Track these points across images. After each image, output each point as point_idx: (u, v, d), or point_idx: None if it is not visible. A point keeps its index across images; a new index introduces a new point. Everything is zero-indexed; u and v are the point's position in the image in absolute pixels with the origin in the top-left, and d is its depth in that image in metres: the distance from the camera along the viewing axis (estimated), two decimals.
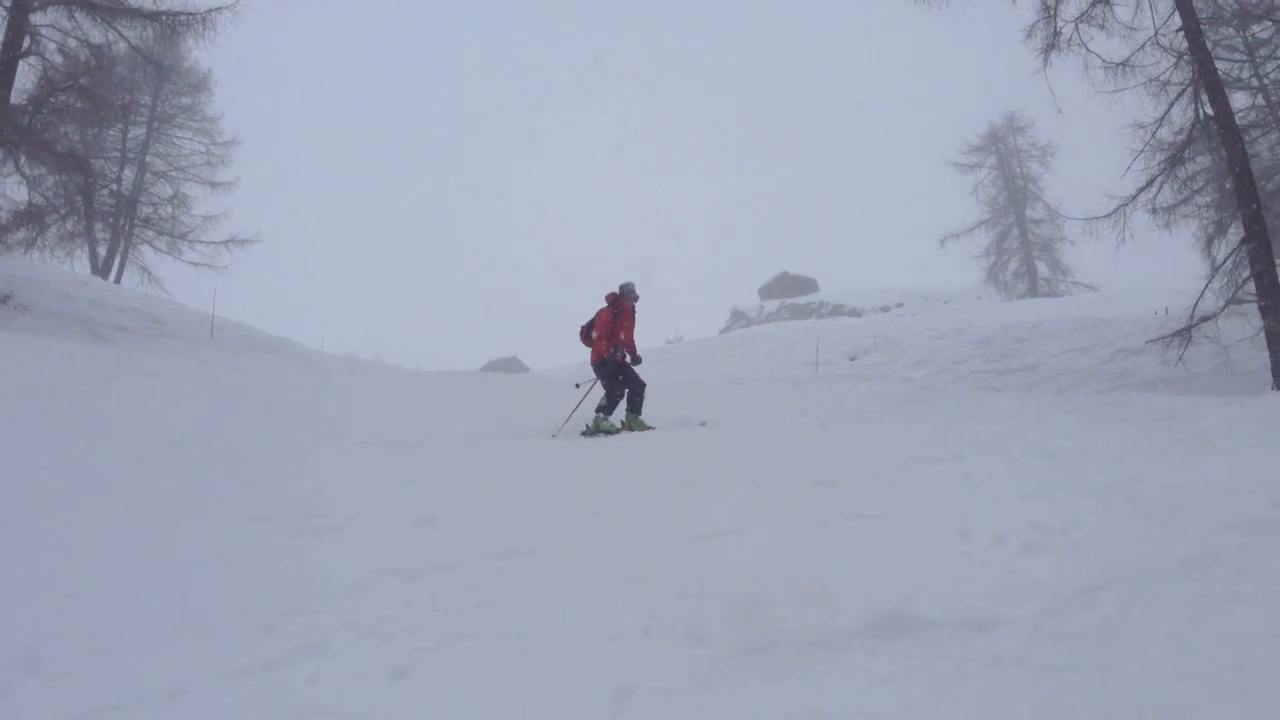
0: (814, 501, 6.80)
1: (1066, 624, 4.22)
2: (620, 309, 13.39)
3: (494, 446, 10.97)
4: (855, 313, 54.26)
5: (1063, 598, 4.50)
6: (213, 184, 34.91)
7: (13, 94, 20.58)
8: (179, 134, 35.77)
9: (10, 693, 3.57)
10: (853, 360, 29.69)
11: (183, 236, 32.40)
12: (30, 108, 20.82)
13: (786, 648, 3.84)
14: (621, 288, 13.59)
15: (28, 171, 21.41)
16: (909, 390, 17.25)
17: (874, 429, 11.48)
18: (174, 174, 35.08)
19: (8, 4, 20.47)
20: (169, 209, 32.71)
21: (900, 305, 55.06)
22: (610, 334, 13.19)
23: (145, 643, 4.02)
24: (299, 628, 4.12)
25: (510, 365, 41.85)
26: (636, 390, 13.17)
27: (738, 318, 62.53)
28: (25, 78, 21.43)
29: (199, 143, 35.73)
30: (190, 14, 21.54)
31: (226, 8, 21.43)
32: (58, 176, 21.76)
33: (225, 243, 32.29)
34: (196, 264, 32.07)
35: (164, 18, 21.57)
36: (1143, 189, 18.64)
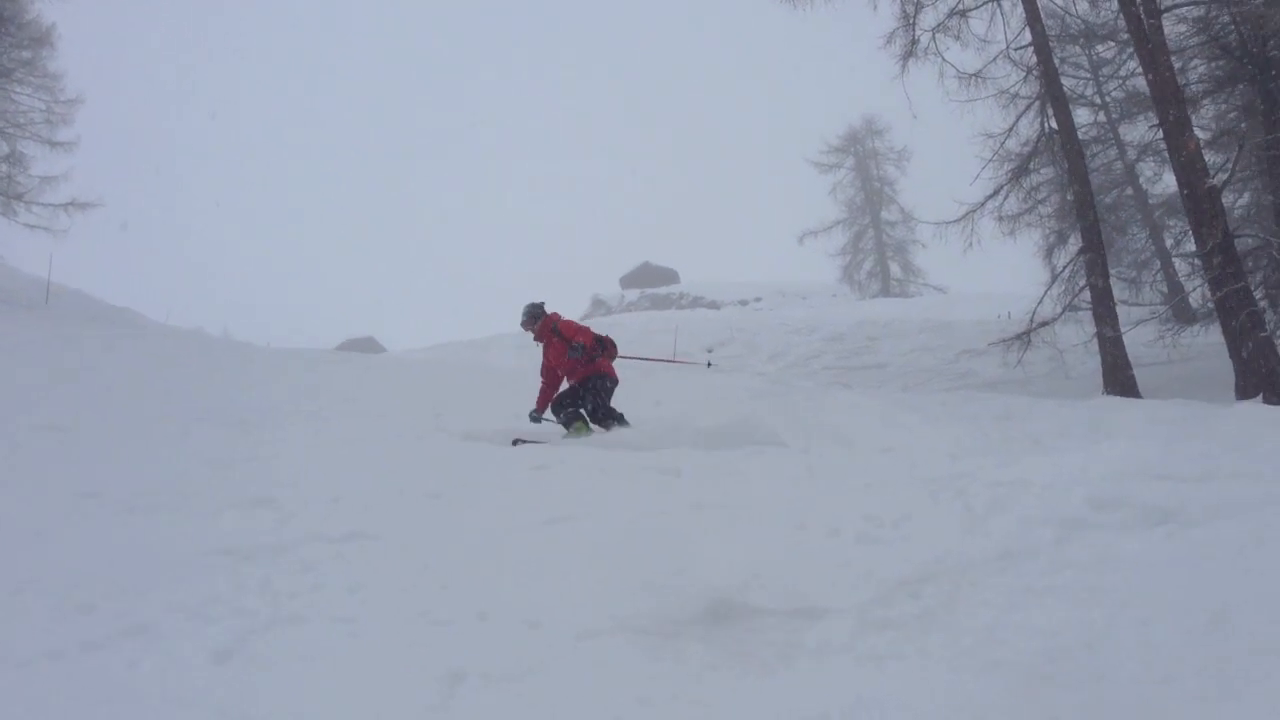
0: (658, 490, 6.87)
1: (891, 613, 4.37)
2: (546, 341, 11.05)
3: (339, 426, 10.73)
4: (715, 305, 54.94)
5: (889, 588, 4.65)
6: (52, 143, 33.07)
7: None
8: (17, 90, 33.72)
9: None
10: (710, 352, 30.06)
11: (18, 197, 30.62)
12: None
13: (620, 634, 3.88)
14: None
15: None
16: (762, 384, 17.55)
17: (721, 420, 11.64)
18: (11, 130, 33.10)
19: None
20: (4, 167, 30.89)
21: (759, 300, 55.98)
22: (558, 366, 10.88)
23: None
24: (120, 609, 3.94)
25: (366, 345, 41.01)
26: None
27: (598, 305, 62.65)
28: None
29: (39, 99, 33.78)
30: None
31: None
32: None
33: (65, 206, 30.66)
34: (33, 226, 30.34)
35: None
36: (990, 197, 19.38)
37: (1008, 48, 18.71)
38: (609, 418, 10.63)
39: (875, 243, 59.15)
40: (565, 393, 10.78)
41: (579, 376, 10.66)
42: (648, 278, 66.23)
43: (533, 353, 27.67)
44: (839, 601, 4.44)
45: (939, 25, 18.95)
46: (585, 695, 3.41)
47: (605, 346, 10.94)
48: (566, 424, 10.56)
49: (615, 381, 10.92)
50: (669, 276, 66.64)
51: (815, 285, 59.54)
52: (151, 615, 3.85)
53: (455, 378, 16.32)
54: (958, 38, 19.00)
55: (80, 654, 3.53)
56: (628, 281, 67.55)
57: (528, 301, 11.21)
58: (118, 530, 5.65)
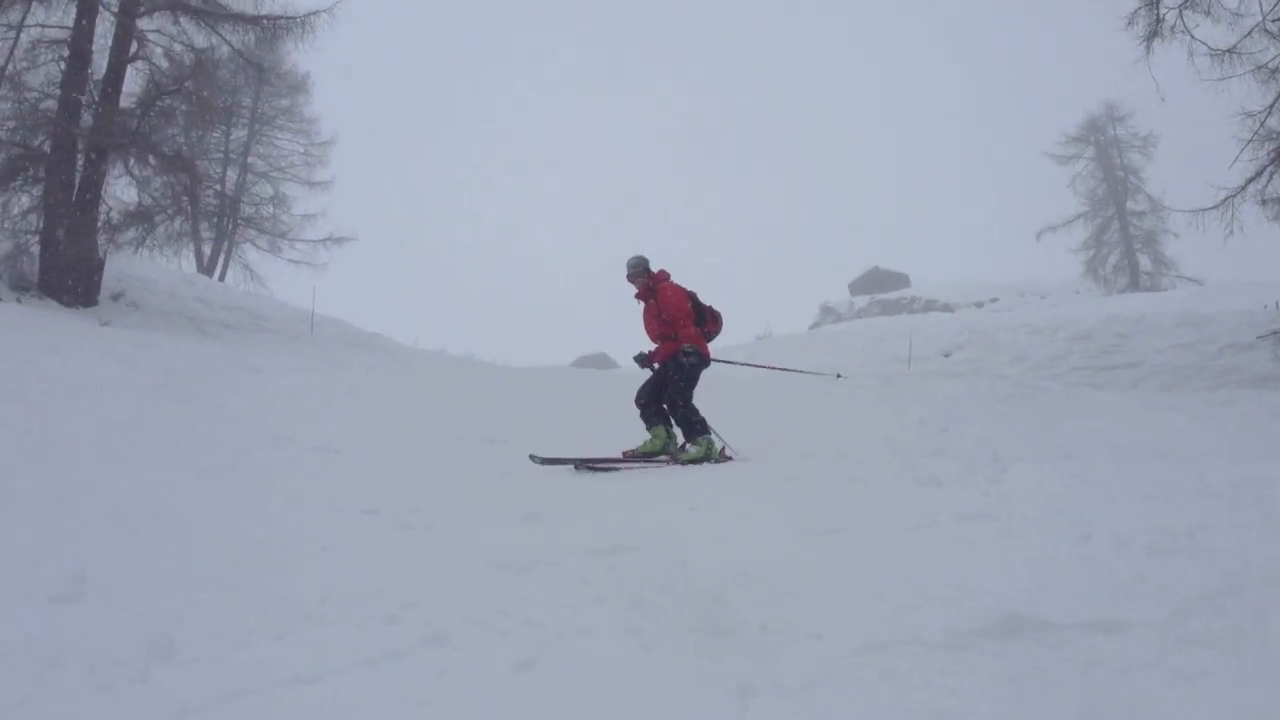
0: (918, 500, 6.68)
1: (1196, 628, 4.08)
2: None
3: (589, 441, 11.00)
4: (948, 308, 53.33)
5: (1190, 601, 4.35)
6: (311, 183, 35.70)
7: (121, 98, 21.26)
8: (279, 135, 36.62)
9: (147, 678, 3.67)
10: (947, 356, 29.18)
11: (283, 235, 33.17)
12: (139, 111, 21.47)
13: (906, 647, 3.78)
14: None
15: (137, 173, 22.07)
16: (1006, 387, 16.91)
17: (973, 426, 11.26)
18: (274, 174, 35.96)
19: (115, 9, 21.12)
20: (270, 208, 33.54)
21: (995, 300, 54.02)
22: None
23: (273, 631, 4.10)
24: (421, 619, 4.15)
25: (600, 361, 41.95)
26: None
27: (827, 313, 61.94)
28: (133, 82, 22.13)
29: (298, 143, 36.55)
30: (290, 17, 22.02)
31: (325, 10, 21.84)
32: (165, 178, 22.35)
33: (323, 241, 32.99)
34: (296, 261, 32.83)
35: (265, 21, 22.09)
36: (1251, 180, 18.01)
37: (1264, 20, 17.35)
38: (694, 427, 9.45)
39: (1121, 235, 55.96)
40: (678, 390, 9.57)
41: (669, 353, 9.64)
42: (877, 282, 65.04)
43: (767, 355, 27.36)
44: (1137, 616, 4.17)
45: (1186, 1, 17.79)
46: (880, 709, 3.33)
47: (707, 321, 9.92)
48: (689, 433, 9.46)
49: (708, 364, 9.94)
50: (899, 280, 65.24)
51: (1056, 283, 56.85)
52: (449, 625, 4.02)
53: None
54: (1208, 13, 17.78)
55: (390, 662, 3.73)
56: (857, 287, 66.55)
57: (635, 256, 10.11)
58: (399, 545, 5.97)
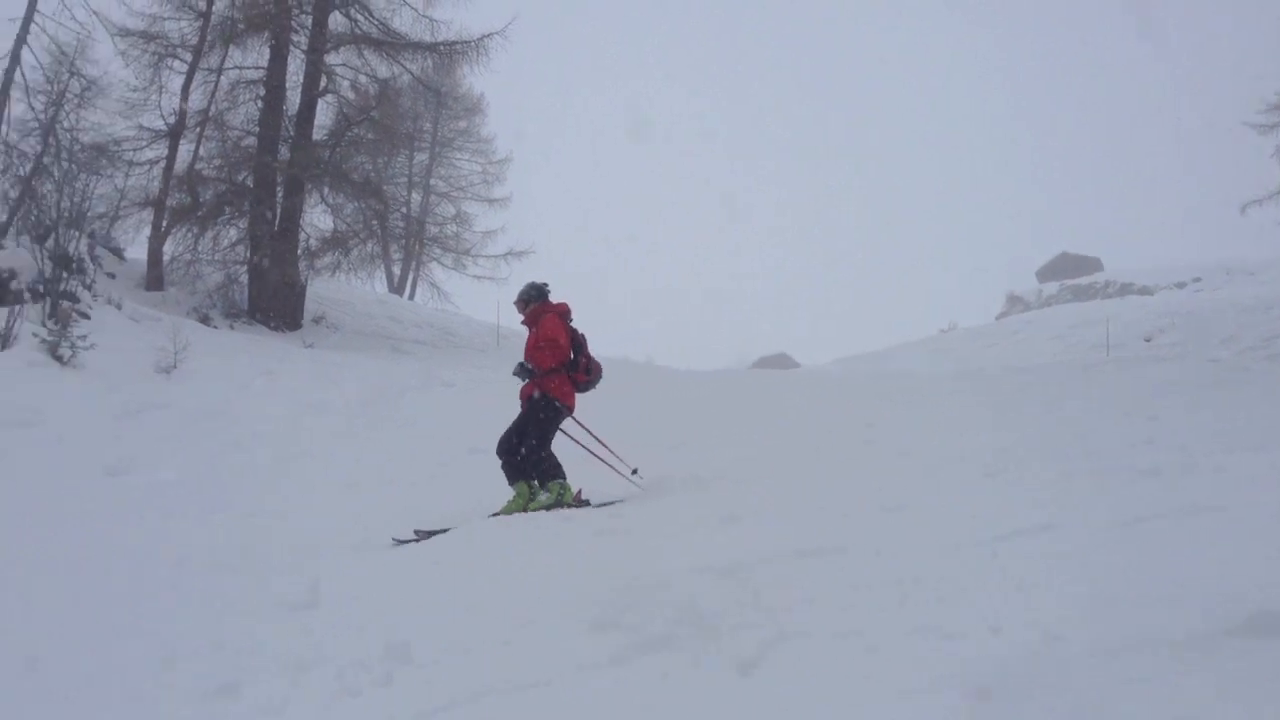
0: (1136, 494, 6.34)
1: None
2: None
3: (775, 444, 10.92)
4: (1146, 291, 50.61)
5: None
6: (490, 201, 36.75)
7: (314, 131, 22.42)
8: (458, 156, 37.86)
9: (390, 682, 3.85)
10: (1148, 341, 27.74)
11: (466, 252, 34.26)
12: (330, 142, 22.61)
13: (1146, 647, 3.57)
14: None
15: (330, 201, 23.25)
16: (1216, 371, 15.94)
17: (1185, 413, 10.65)
18: (455, 194, 37.19)
19: (305, 48, 22.28)
20: (453, 227, 34.67)
21: (1198, 280, 50.95)
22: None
23: (499, 636, 4.22)
24: (635, 623, 4.19)
25: (780, 361, 41.66)
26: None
27: (1015, 302, 59.69)
28: (323, 115, 23.32)
29: (476, 163, 37.70)
30: (465, 42, 22.74)
31: (498, 33, 22.45)
32: (356, 204, 23.46)
33: (504, 255, 33.88)
34: (479, 277, 33.84)
35: (441, 48, 22.90)
36: None
37: None
38: (546, 471, 8.39)
39: None
40: (527, 430, 8.53)
41: (531, 391, 8.65)
42: (1066, 268, 62.35)
43: (953, 349, 26.47)
44: None
45: None
46: (1125, 711, 3.16)
47: (579, 369, 8.83)
48: (541, 479, 8.39)
49: (568, 413, 8.87)
50: (1090, 265, 62.34)
51: (1264, 259, 53.26)
52: (666, 630, 4.04)
53: (875, 389, 16.09)
54: None
55: (613, 666, 3.77)
56: (1045, 274, 63.98)
57: (529, 281, 9.21)
58: (605, 551, 6.06)
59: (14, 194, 23.73)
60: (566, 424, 8.92)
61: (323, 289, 24.01)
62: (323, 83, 22.62)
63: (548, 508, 8.01)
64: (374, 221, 23.81)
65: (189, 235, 22.08)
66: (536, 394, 8.49)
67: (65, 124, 24.16)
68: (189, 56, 22.95)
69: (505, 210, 36.85)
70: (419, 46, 22.89)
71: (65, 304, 15.46)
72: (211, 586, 6.30)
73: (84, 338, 13.81)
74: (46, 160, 22.82)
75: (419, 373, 17.31)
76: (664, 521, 6.73)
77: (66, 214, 17.65)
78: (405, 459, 11.12)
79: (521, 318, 9.09)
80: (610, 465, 9.00)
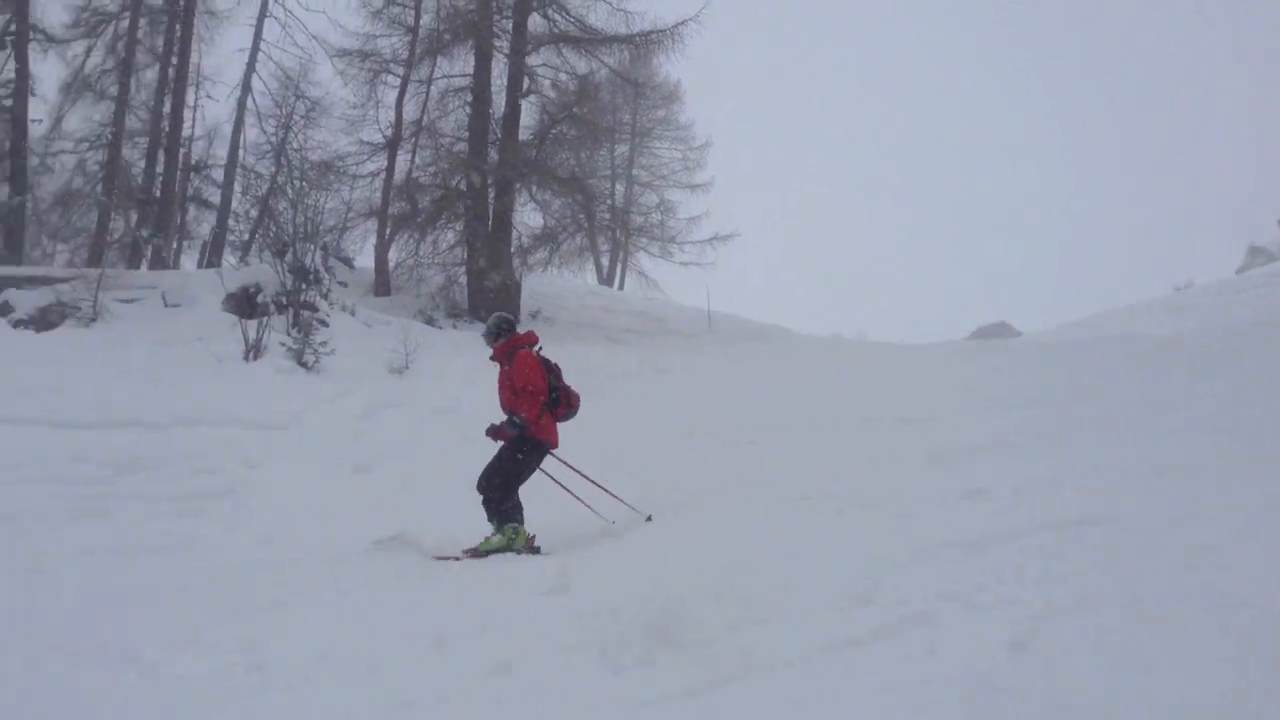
0: None
1: None
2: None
3: (1006, 418, 10.52)
4: None
5: None
6: (692, 187, 36.97)
7: (520, 131, 23.11)
8: (658, 145, 38.24)
9: (653, 662, 3.96)
10: None
11: (671, 240, 34.50)
12: (535, 141, 23.26)
13: None
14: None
15: (538, 198, 23.93)
16: None
17: None
18: (657, 183, 37.58)
19: (507, 52, 22.98)
20: (657, 216, 34.95)
21: None
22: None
23: (755, 616, 4.26)
24: (893, 599, 4.14)
25: (1000, 331, 40.14)
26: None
27: (1256, 254, 55.36)
28: (527, 115, 24.00)
29: (676, 150, 37.99)
30: (660, 31, 22.90)
31: (691, 19, 22.51)
32: (563, 199, 24.06)
33: (709, 240, 33.94)
34: (686, 264, 34.03)
35: (637, 39, 23.14)
36: None
37: None
38: (505, 514, 7.98)
39: None
40: (501, 468, 8.16)
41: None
42: None
43: (1190, 307, 24.93)
44: None
45: None
46: None
47: (560, 404, 8.54)
48: (498, 521, 7.96)
49: (550, 450, 8.53)
50: None
51: None
52: (928, 605, 3.96)
53: (1106, 357, 15.20)
54: None
55: (876, 640, 3.73)
56: None
57: (496, 314, 9.06)
58: (841, 529, 6.01)
59: (254, 213, 25.59)
60: (549, 464, 8.60)
61: (536, 284, 24.73)
62: (525, 84, 23.27)
63: (498, 550, 7.64)
64: (581, 215, 24.35)
65: (410, 241, 23.21)
66: (516, 417, 8.08)
67: (294, 144, 25.84)
68: (401, 70, 24.09)
69: (707, 195, 36.98)
70: (615, 40, 23.21)
71: (306, 313, 16.51)
72: (466, 572, 6.62)
73: (324, 344, 14.73)
74: (280, 180, 24.44)
75: (635, 361, 17.62)
76: (900, 497, 6.61)
77: (301, 229, 18.79)
78: (629, 443, 11.34)
79: (490, 353, 8.67)
80: (589, 506, 8.50)
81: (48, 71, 25.14)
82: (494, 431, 8.24)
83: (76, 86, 25.05)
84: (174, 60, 24.89)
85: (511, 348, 8.44)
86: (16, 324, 16.57)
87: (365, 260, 24.65)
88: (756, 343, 22.24)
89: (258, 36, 26.64)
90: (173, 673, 4.55)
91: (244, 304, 17.30)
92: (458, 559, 7.44)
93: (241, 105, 26.42)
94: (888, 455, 8.76)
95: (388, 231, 23.32)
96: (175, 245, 26.30)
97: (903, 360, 17.78)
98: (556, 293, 25.71)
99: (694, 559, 5.67)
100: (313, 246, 18.78)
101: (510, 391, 8.27)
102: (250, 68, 26.67)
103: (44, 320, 16.97)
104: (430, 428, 12.56)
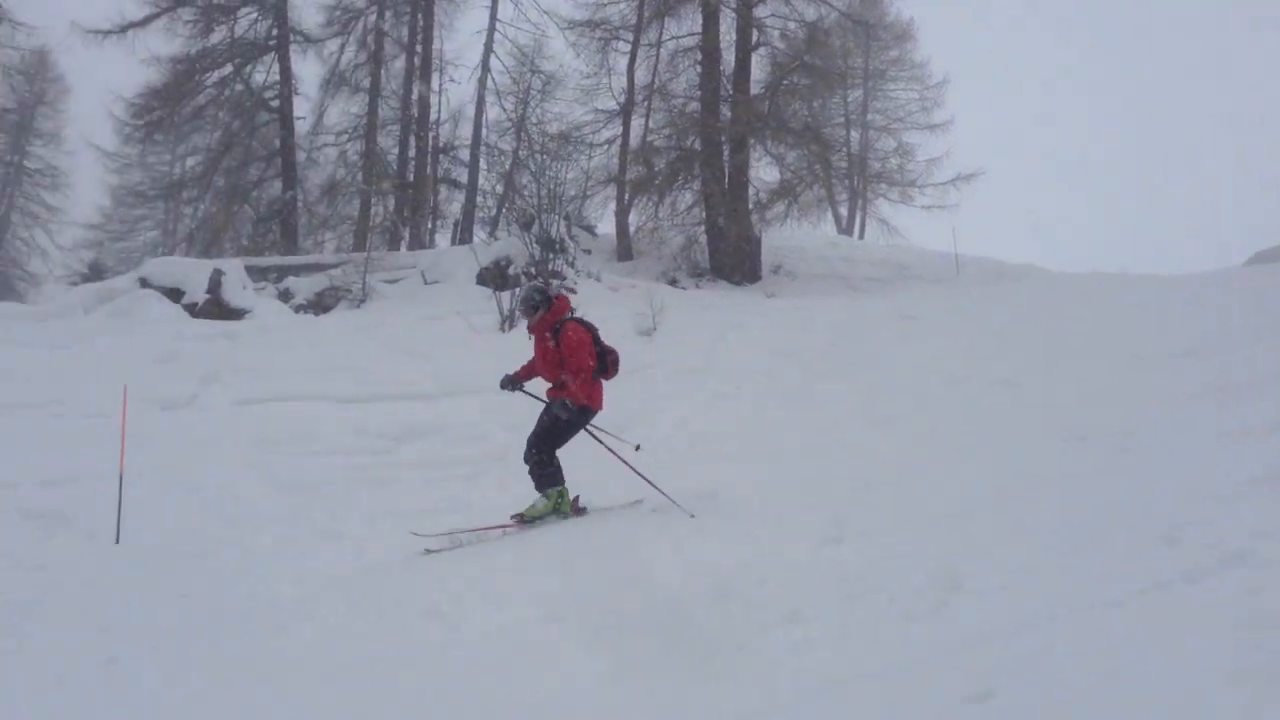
0: None
1: None
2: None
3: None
4: None
5: None
6: (930, 128, 35.65)
7: (751, 85, 22.94)
8: (892, 87, 37.08)
9: (944, 606, 3.91)
10: None
11: (911, 184, 33.46)
12: (767, 94, 23.04)
13: None
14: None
15: (773, 151, 23.71)
16: None
17: None
18: (894, 126, 36.45)
19: (734, 5, 22.81)
20: (895, 160, 33.93)
21: None
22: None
23: (1048, 560, 4.13)
24: (1203, 540, 3.89)
25: None
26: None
27: None
28: (757, 69, 23.79)
29: (912, 91, 36.73)
30: None
31: None
32: (798, 151, 23.75)
33: (951, 182, 32.69)
34: (928, 207, 32.99)
35: None
36: None
37: None
38: (547, 478, 7.86)
39: None
40: (544, 433, 7.94)
41: (561, 393, 7.92)
42: None
43: None
44: None
45: None
46: None
47: (608, 367, 8.23)
48: (541, 486, 7.87)
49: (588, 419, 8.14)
50: None
51: None
52: (1242, 544, 3.71)
53: None
54: None
55: (1184, 583, 3.52)
56: None
57: (529, 285, 8.75)
58: (1128, 469, 5.72)
59: (500, 189, 26.62)
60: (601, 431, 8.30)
61: (776, 239, 24.57)
62: (754, 36, 23.07)
63: (541, 516, 7.68)
64: (817, 166, 23.96)
65: (649, 204, 23.54)
66: (569, 402, 7.77)
67: (533, 119, 26.65)
68: (630, 36, 24.38)
69: (947, 135, 35.57)
70: None
71: (554, 282, 17.06)
72: (733, 524, 6.67)
73: (574, 311, 15.14)
74: (522, 154, 25.29)
75: (879, 310, 17.25)
76: (1183, 438, 6.20)
77: (545, 200, 19.41)
78: (874, 394, 11.14)
79: (531, 322, 8.21)
80: (639, 473, 8.09)
81: (307, 70, 26.97)
82: (511, 381, 8.35)
83: (334, 82, 26.67)
84: (418, 48, 26.11)
85: (556, 320, 8.08)
86: (297, 309, 17.96)
87: (606, 226, 25.21)
88: (1008, 283, 21.33)
89: (493, 17, 27.60)
90: (473, 627, 4.84)
91: (496, 277, 18.07)
92: (507, 527, 7.45)
93: (482, 85, 27.47)
94: (1164, 391, 8.22)
95: (626, 196, 23.74)
96: (430, 225, 27.69)
97: (1171, 291, 16.60)
98: (796, 246, 25.46)
99: (978, 505, 5.53)
100: (557, 217, 19.38)
101: (556, 364, 7.97)
102: (488, 48, 27.67)
103: (320, 304, 18.32)
104: (680, 387, 12.72)
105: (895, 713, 3.15)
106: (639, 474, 7.80)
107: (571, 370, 7.78)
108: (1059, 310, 15.73)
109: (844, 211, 36.74)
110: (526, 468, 7.94)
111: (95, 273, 22.83)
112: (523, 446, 8.06)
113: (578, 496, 8.01)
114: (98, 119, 28.36)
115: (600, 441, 8.19)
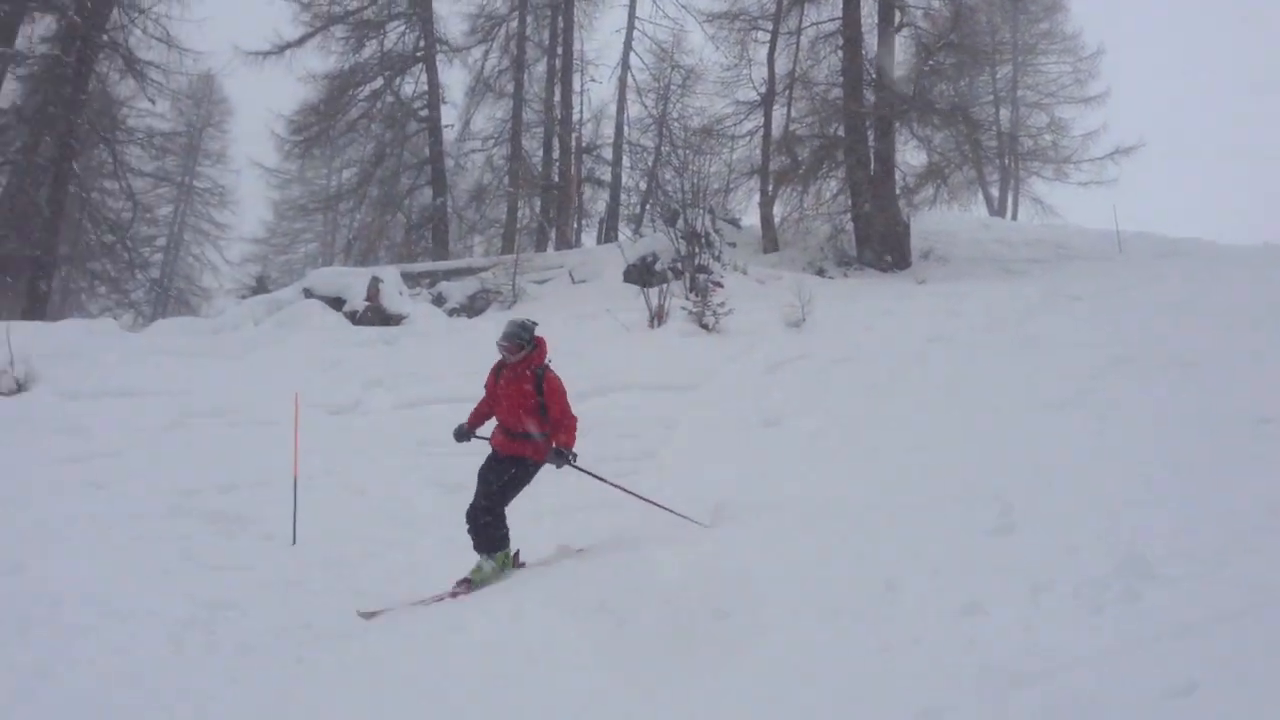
0: None
1: None
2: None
3: None
4: None
5: None
6: (1085, 101, 34.21)
7: (895, 68, 22.44)
8: (1043, 60, 35.76)
9: (1138, 598, 3.75)
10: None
11: (1066, 160, 32.20)
12: (911, 76, 22.50)
13: None
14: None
15: (919, 134, 23.16)
16: None
17: None
18: (1046, 101, 35.14)
19: None
20: (1048, 137, 32.72)
21: None
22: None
23: (1240, 548, 3.93)
24: None
25: None
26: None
27: None
28: (901, 50, 23.27)
29: (1064, 63, 35.33)
30: None
31: None
32: (945, 133, 23.14)
33: (1109, 156, 31.28)
34: (1085, 183, 31.64)
35: None
36: None
37: None
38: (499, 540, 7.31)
39: None
40: (505, 490, 7.39)
41: (518, 450, 7.39)
42: None
43: None
44: None
45: None
46: None
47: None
48: (487, 548, 7.26)
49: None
50: None
51: None
52: None
53: None
54: None
55: None
56: None
57: (516, 319, 7.83)
58: None
59: (643, 186, 26.77)
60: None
61: (925, 223, 23.99)
62: (897, 18, 22.58)
63: (489, 581, 7.08)
64: (965, 147, 23.33)
65: (793, 194, 23.30)
66: (528, 457, 7.35)
67: (674, 114, 26.71)
68: (769, 25, 24.18)
69: (1104, 107, 34.06)
70: None
71: (701, 277, 17.05)
72: (900, 515, 6.52)
73: (722, 305, 15.12)
74: (664, 150, 25.38)
75: (1040, 292, 16.63)
76: None
77: (689, 195, 19.41)
78: (1045, 378, 10.73)
79: (508, 361, 7.48)
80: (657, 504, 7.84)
81: (453, 79, 27.60)
82: (465, 433, 7.81)
83: (478, 89, 27.23)
84: (559, 50, 26.45)
85: (538, 364, 7.47)
86: (451, 312, 18.43)
87: (751, 218, 25.09)
88: (1176, 259, 20.31)
89: (632, 14, 27.76)
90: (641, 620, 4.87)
91: (643, 273, 18.17)
92: (454, 595, 6.87)
93: (622, 83, 27.68)
94: None
95: (770, 187, 23.55)
96: (575, 225, 28.03)
97: None
98: (946, 230, 24.81)
99: (1162, 491, 5.30)
100: (701, 211, 19.36)
101: (531, 411, 7.36)
102: (627, 46, 27.85)
103: (473, 306, 18.75)
104: (832, 377, 12.53)
105: (1096, 706, 3.02)
106: (667, 508, 7.66)
107: (566, 423, 7.31)
108: (1231, 284, 14.89)
109: (995, 192, 35.68)
110: (468, 527, 7.32)
111: (262, 285, 23.89)
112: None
113: (518, 551, 7.56)
114: (259, 137, 29.72)
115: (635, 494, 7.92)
